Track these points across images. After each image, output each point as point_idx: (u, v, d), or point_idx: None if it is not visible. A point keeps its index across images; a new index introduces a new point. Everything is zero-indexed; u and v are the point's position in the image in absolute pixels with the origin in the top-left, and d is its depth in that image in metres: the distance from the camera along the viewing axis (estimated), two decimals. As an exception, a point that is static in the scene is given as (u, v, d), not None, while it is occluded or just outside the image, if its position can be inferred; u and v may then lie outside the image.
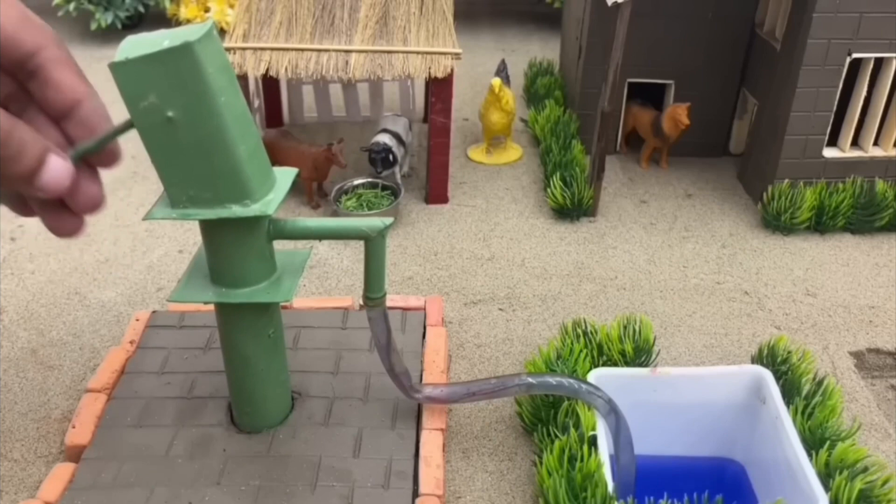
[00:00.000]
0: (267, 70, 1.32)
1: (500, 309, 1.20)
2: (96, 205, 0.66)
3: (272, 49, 1.33)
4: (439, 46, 1.35)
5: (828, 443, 0.88)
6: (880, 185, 1.38)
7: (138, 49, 0.63)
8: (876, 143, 1.44)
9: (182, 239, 1.35)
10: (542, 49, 2.19)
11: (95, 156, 0.64)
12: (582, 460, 0.83)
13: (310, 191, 1.44)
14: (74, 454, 0.90)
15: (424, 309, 1.13)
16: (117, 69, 0.63)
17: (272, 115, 1.70)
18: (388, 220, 0.80)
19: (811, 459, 0.85)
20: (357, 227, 0.80)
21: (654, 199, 1.50)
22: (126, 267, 1.28)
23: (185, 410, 0.95)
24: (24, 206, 0.67)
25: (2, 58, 0.60)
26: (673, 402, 0.95)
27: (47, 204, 0.65)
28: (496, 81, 1.54)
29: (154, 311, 1.12)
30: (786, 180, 1.40)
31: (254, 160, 0.71)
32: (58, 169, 0.60)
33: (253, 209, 0.72)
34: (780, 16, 1.43)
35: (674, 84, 1.58)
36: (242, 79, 1.33)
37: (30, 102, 0.63)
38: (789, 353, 1.00)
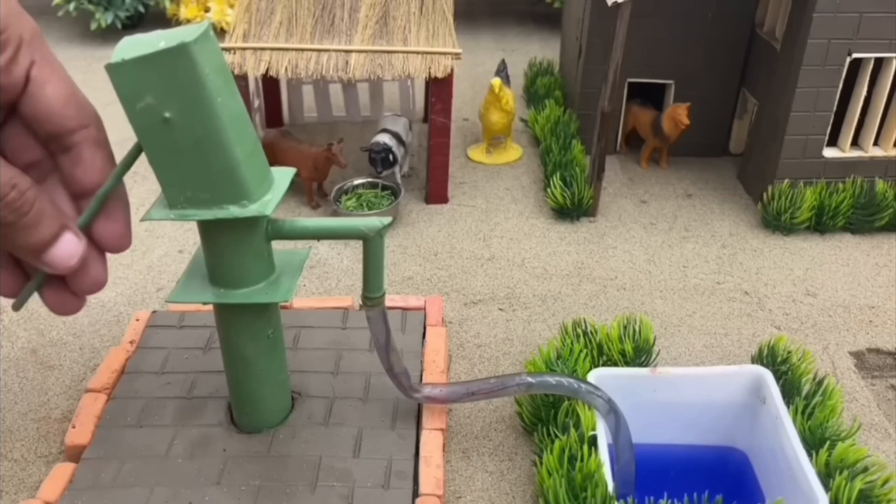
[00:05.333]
0: (267, 70, 1.32)
1: (500, 309, 1.20)
2: (99, 286, 0.66)
3: (272, 49, 1.33)
4: (439, 46, 1.35)
5: (828, 443, 0.88)
6: (880, 185, 1.38)
7: (135, 50, 0.63)
8: (876, 143, 1.44)
9: (182, 239, 1.35)
10: (542, 49, 2.19)
11: (106, 230, 0.64)
12: (582, 460, 0.83)
13: (310, 191, 1.44)
14: (74, 454, 0.90)
15: (424, 309, 1.13)
16: (114, 70, 0.63)
17: (272, 116, 1.70)
18: (387, 220, 0.80)
19: (811, 459, 0.85)
20: (355, 227, 0.80)
21: (654, 199, 1.50)
22: (126, 267, 1.28)
23: (185, 410, 0.95)
24: (12, 281, 0.65)
25: (42, 129, 0.61)
26: (673, 402, 0.95)
27: (51, 281, 0.66)
28: (496, 81, 1.54)
29: (154, 311, 1.12)
30: (786, 180, 1.40)
31: (251, 161, 0.71)
32: (69, 246, 0.61)
33: (250, 210, 0.72)
34: (780, 16, 1.43)
35: (674, 84, 1.58)
36: (242, 79, 1.33)
37: (52, 172, 0.64)
38: (789, 353, 1.00)
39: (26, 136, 0.62)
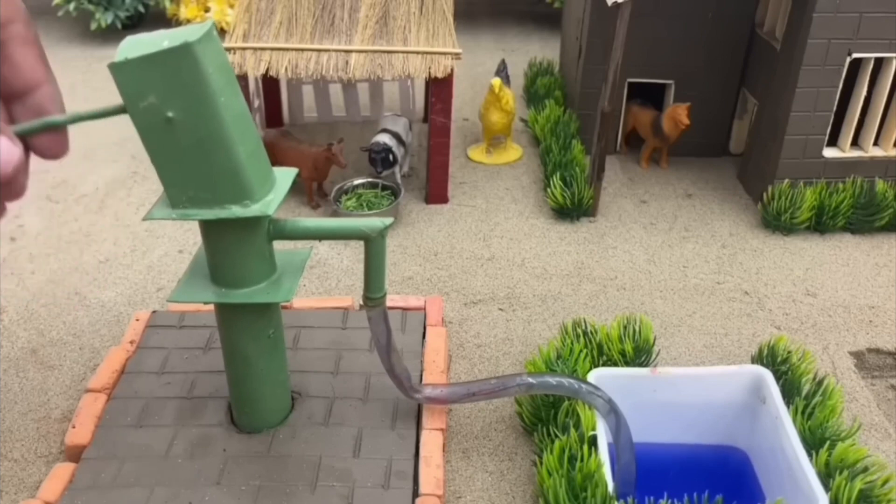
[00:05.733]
0: (267, 70, 1.32)
1: (500, 309, 1.20)
2: (20, 195, 0.59)
3: (272, 49, 1.33)
4: (439, 46, 1.35)
5: (828, 443, 0.88)
6: (880, 185, 1.38)
7: (138, 49, 0.63)
8: (876, 143, 1.44)
9: (182, 239, 1.35)
10: (542, 49, 2.19)
11: (49, 136, 0.59)
12: (582, 460, 0.83)
13: (310, 191, 1.44)
14: (74, 454, 0.90)
15: (424, 309, 1.13)
16: (117, 70, 0.63)
17: (272, 115, 1.70)
18: (388, 220, 0.80)
19: (811, 459, 0.85)
20: (357, 228, 0.80)
21: (654, 199, 1.50)
22: (126, 267, 1.28)
23: (185, 410, 0.95)
24: None
25: None
26: (673, 402, 0.95)
27: None
28: (496, 81, 1.54)
29: (154, 311, 1.12)
30: (786, 180, 1.40)
31: (253, 160, 0.71)
32: (5, 152, 0.55)
33: (252, 209, 0.72)
34: (780, 16, 1.43)
35: (674, 84, 1.58)
36: (242, 79, 1.33)
37: None
38: (789, 353, 1.00)
39: None
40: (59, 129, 0.59)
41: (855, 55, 1.31)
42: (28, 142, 0.59)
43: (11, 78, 0.57)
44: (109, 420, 0.94)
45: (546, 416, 0.94)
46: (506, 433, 0.98)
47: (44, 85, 0.58)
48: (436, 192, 1.46)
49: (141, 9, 2.26)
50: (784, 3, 1.40)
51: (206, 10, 2.23)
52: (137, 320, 1.09)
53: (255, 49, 1.33)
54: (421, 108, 1.80)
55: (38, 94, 0.58)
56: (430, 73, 1.33)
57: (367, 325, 0.88)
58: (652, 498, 0.83)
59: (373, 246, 0.80)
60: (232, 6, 2.18)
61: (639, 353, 1.01)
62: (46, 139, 0.58)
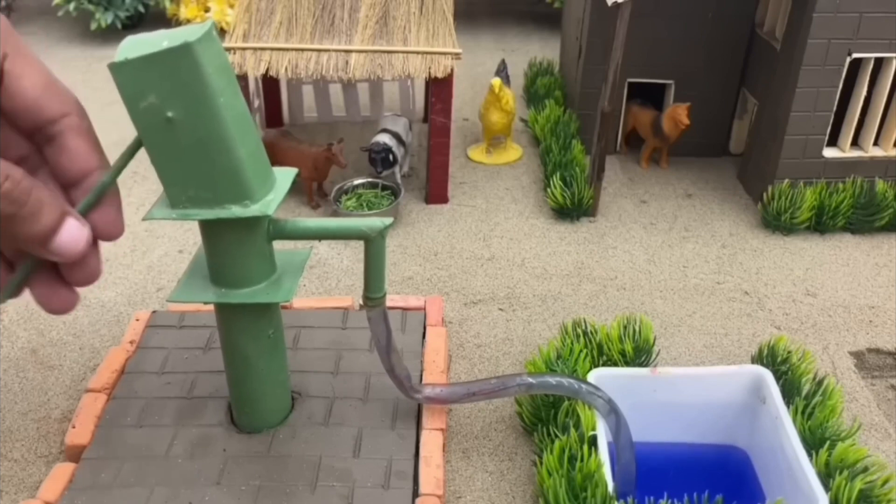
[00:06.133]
0: (267, 70, 1.32)
1: (500, 309, 1.20)
2: (95, 277, 0.65)
3: (272, 49, 1.33)
4: (439, 46, 1.35)
5: (828, 443, 0.88)
6: (880, 185, 1.38)
7: (138, 49, 0.63)
8: (876, 143, 1.44)
9: (182, 239, 1.35)
10: (542, 49, 2.19)
11: (99, 220, 0.64)
12: (582, 460, 0.83)
13: (310, 191, 1.44)
14: (74, 454, 0.90)
15: (424, 309, 1.13)
16: (117, 70, 0.63)
17: (272, 115, 1.70)
18: (388, 220, 0.80)
19: (811, 459, 0.85)
20: (357, 228, 0.80)
21: (654, 199, 1.50)
22: (126, 267, 1.28)
23: (185, 410, 0.95)
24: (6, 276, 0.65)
25: (24, 122, 0.60)
26: (673, 402, 0.95)
27: (42, 276, 0.65)
28: (496, 81, 1.54)
29: (154, 311, 1.12)
30: (786, 180, 1.40)
31: (253, 160, 0.71)
32: (74, 231, 0.60)
33: (252, 209, 0.72)
34: (780, 16, 1.43)
35: (674, 84, 1.58)
36: (242, 79, 1.33)
37: (42, 165, 0.63)
38: (789, 353, 1.00)
39: (10, 132, 0.61)
40: (113, 208, 0.65)
41: (855, 55, 1.31)
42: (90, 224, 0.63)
43: (68, 165, 0.63)
44: (109, 420, 0.94)
45: (546, 416, 0.94)
46: (506, 433, 0.98)
47: (97, 171, 0.64)
48: (436, 192, 1.46)
49: (141, 9, 2.26)
50: (784, 3, 1.40)
51: (206, 10, 2.23)
52: (137, 320, 1.09)
53: (255, 49, 1.33)
54: (421, 108, 1.80)
55: (92, 178, 0.64)
56: (430, 73, 1.33)
57: (367, 325, 0.88)
58: (652, 498, 0.83)
59: (373, 246, 0.80)
60: (232, 6, 2.18)
61: (639, 353, 1.01)
62: (103, 219, 0.64)
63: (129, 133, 0.65)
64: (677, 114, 1.49)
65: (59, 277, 0.65)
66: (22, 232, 0.58)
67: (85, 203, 0.63)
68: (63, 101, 0.61)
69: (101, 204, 0.64)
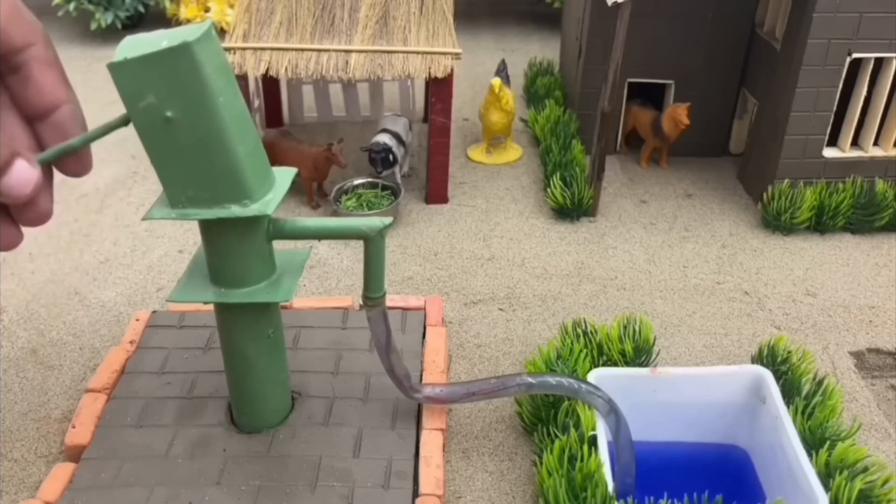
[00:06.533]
0: (267, 70, 1.32)
1: (500, 309, 1.20)
2: (45, 219, 0.62)
3: (272, 49, 1.33)
4: (439, 46, 1.35)
5: (828, 443, 0.88)
6: (880, 185, 1.38)
7: (137, 49, 0.63)
8: (876, 143, 1.44)
9: (182, 239, 1.35)
10: (542, 49, 2.19)
11: (70, 158, 0.62)
12: (582, 460, 0.83)
13: (310, 191, 1.44)
14: (74, 454, 0.90)
15: (424, 309, 1.13)
16: (116, 69, 0.63)
17: (272, 115, 1.70)
18: (388, 220, 0.80)
19: (811, 459, 0.85)
20: (356, 227, 0.80)
21: (654, 199, 1.50)
22: (126, 267, 1.28)
23: (185, 410, 0.95)
24: None
25: None
26: (673, 402, 0.95)
27: None
28: (496, 81, 1.54)
29: (154, 311, 1.12)
30: (786, 180, 1.40)
31: (252, 160, 0.71)
32: (23, 174, 0.57)
33: (252, 209, 0.72)
34: (780, 16, 1.43)
35: (674, 84, 1.58)
36: (242, 79, 1.33)
37: (1, 95, 0.60)
38: (789, 353, 1.00)
39: None
40: (78, 152, 0.61)
41: (855, 55, 1.31)
42: (53, 163, 0.61)
43: (34, 98, 0.59)
44: (109, 420, 0.94)
45: (546, 416, 0.94)
46: (506, 433, 0.98)
47: (65, 104, 0.61)
48: (436, 192, 1.46)
49: (141, 9, 2.27)
50: (784, 3, 1.40)
51: (206, 10, 2.23)
52: (137, 320, 1.09)
53: (255, 49, 1.33)
54: (421, 108, 1.80)
55: (60, 113, 0.61)
56: (430, 73, 1.33)
57: (367, 325, 0.88)
58: (652, 498, 0.83)
59: (372, 246, 0.80)
60: (232, 6, 2.18)
61: (639, 353, 1.01)
62: (69, 161, 0.61)
63: (129, 133, 0.65)
64: (677, 114, 1.48)
65: (6, 215, 0.62)
66: None
67: (44, 157, 0.61)
68: (30, 29, 0.58)
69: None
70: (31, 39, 0.58)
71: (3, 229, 0.62)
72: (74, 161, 0.62)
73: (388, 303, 0.88)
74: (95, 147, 0.65)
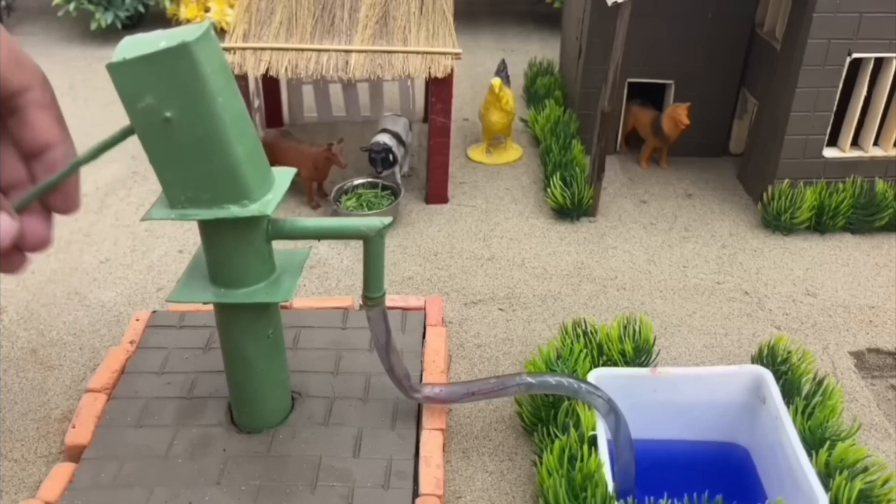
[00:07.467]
0: (267, 70, 1.32)
1: (500, 309, 1.20)
2: (43, 246, 0.65)
3: (272, 49, 1.33)
4: (439, 46, 1.35)
5: (828, 443, 0.88)
6: (880, 185, 1.38)
7: (136, 50, 0.63)
8: (876, 143, 1.44)
9: (182, 239, 1.35)
10: (542, 49, 2.19)
11: (57, 196, 0.64)
12: (582, 460, 0.83)
13: (310, 191, 1.44)
14: (74, 454, 0.90)
15: (424, 309, 1.13)
16: (115, 70, 0.63)
17: (272, 115, 1.70)
18: (387, 220, 0.80)
19: (811, 459, 0.85)
20: (356, 227, 0.80)
21: (654, 199, 1.50)
22: (126, 267, 1.28)
23: (185, 410, 0.95)
24: None
25: None
26: (673, 402, 0.95)
27: None
28: (496, 81, 1.54)
29: (154, 311, 1.12)
30: (786, 180, 1.40)
31: (252, 160, 0.71)
32: (5, 227, 0.59)
33: (251, 209, 0.72)
34: (780, 16, 1.43)
35: (674, 84, 1.58)
36: (242, 79, 1.33)
37: (4, 135, 0.63)
38: (789, 353, 1.00)
39: None
40: (66, 189, 0.63)
41: (855, 55, 1.31)
42: (43, 201, 0.63)
43: (28, 138, 0.62)
44: (109, 420, 0.94)
45: (546, 416, 0.94)
46: (506, 433, 0.98)
47: (58, 145, 0.63)
48: (436, 192, 1.46)
49: (141, 9, 2.26)
50: (784, 3, 1.40)
51: (206, 10, 2.23)
52: (137, 320, 1.09)
53: (254, 49, 1.33)
54: (421, 108, 1.80)
55: (52, 153, 0.63)
56: (430, 73, 1.33)
57: (367, 325, 0.88)
58: (652, 497, 0.83)
59: (372, 245, 0.80)
60: (232, 6, 2.18)
61: (639, 353, 1.01)
62: (56, 199, 0.64)
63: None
64: (677, 114, 1.48)
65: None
66: None
67: (23, 200, 0.63)
68: (27, 74, 0.61)
69: (61, 187, 0.63)
70: (29, 84, 0.61)
71: (10, 255, 0.65)
72: (61, 199, 0.64)
73: (388, 303, 0.88)
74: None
